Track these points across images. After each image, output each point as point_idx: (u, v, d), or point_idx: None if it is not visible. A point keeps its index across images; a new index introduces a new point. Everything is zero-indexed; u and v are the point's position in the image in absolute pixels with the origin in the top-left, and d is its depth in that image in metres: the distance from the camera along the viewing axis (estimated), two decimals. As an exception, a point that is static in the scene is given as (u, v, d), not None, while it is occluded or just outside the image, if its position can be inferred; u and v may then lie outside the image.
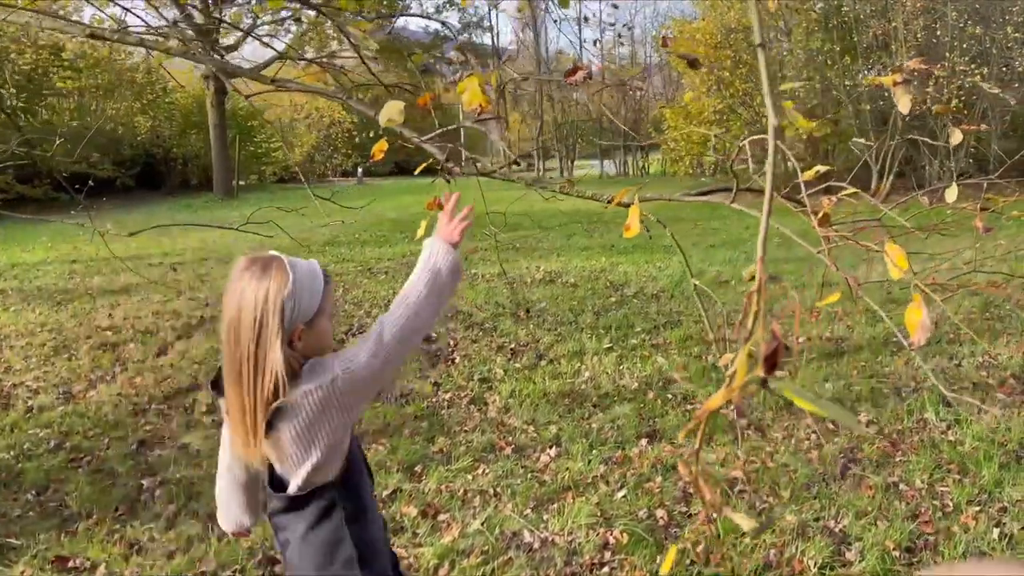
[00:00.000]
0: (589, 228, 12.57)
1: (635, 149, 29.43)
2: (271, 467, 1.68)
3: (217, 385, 1.67)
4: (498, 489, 3.53)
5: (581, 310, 6.96)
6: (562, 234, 12.70)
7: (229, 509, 1.90)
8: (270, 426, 1.55)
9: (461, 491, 3.53)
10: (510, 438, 4.15)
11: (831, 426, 4.14)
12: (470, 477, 3.67)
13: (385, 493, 3.50)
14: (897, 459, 3.74)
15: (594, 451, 3.92)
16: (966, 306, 6.46)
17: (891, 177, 15.27)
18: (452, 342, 6.10)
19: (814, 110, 16.57)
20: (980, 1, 13.97)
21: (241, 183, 27.78)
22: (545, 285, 8.24)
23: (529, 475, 3.68)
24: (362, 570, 1.67)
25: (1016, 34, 13.07)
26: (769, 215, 0.74)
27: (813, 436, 4.02)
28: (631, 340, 5.93)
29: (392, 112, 1.33)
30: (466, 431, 4.29)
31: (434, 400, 4.85)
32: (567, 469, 3.71)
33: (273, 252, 1.65)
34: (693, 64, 1.75)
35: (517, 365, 5.46)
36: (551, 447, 4.00)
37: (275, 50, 7.58)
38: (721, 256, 9.67)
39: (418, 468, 3.78)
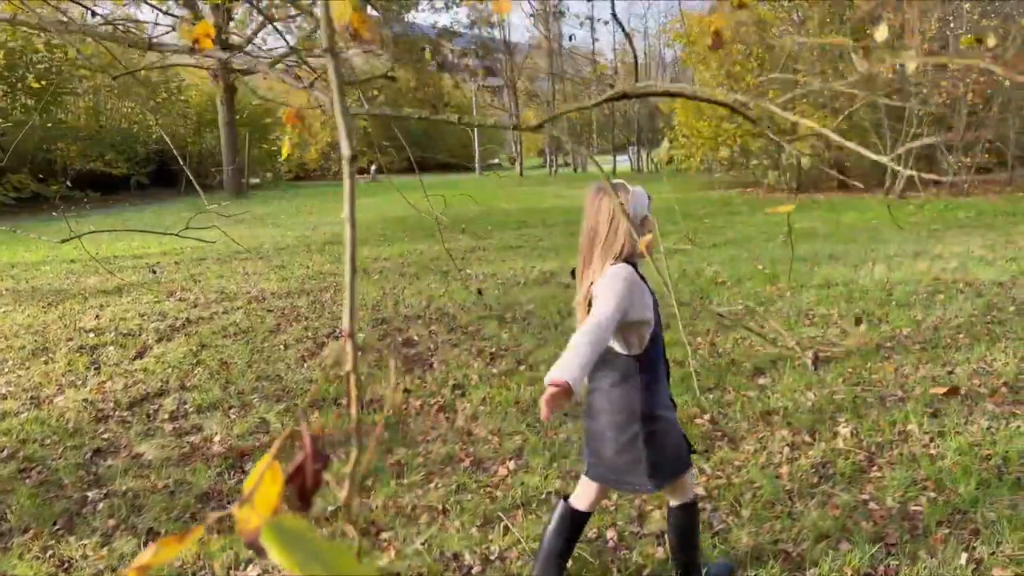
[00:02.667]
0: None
1: (649, 144, 29.15)
2: None
3: (575, 275, 2.49)
4: (447, 505, 3.39)
5: (569, 312, 6.78)
6: (565, 232, 12.54)
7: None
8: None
9: (409, 507, 3.40)
10: (472, 449, 4.01)
11: (807, 439, 3.96)
12: (421, 492, 3.53)
13: (329, 509, 3.37)
14: (872, 474, 3.55)
15: (555, 464, 3.77)
16: (968, 308, 6.22)
17: (906, 171, 14.91)
18: (432, 346, 5.97)
19: (828, 104, 16.23)
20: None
21: (254, 181, 27.86)
22: (539, 286, 8.09)
23: (482, 490, 3.53)
24: (642, 423, 2.36)
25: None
26: (354, 260, 0.59)
27: (786, 449, 3.84)
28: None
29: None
30: (428, 441, 4.16)
31: (403, 407, 4.72)
32: (522, 484, 3.56)
33: (618, 180, 2.42)
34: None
35: (494, 371, 5.32)
36: (511, 459, 3.86)
37: (268, 58, 7.50)
38: (723, 255, 9.45)
39: (369, 482, 3.66)
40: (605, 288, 2.26)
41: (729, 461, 3.75)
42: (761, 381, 4.82)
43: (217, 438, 4.25)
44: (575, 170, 31.36)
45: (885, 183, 15.44)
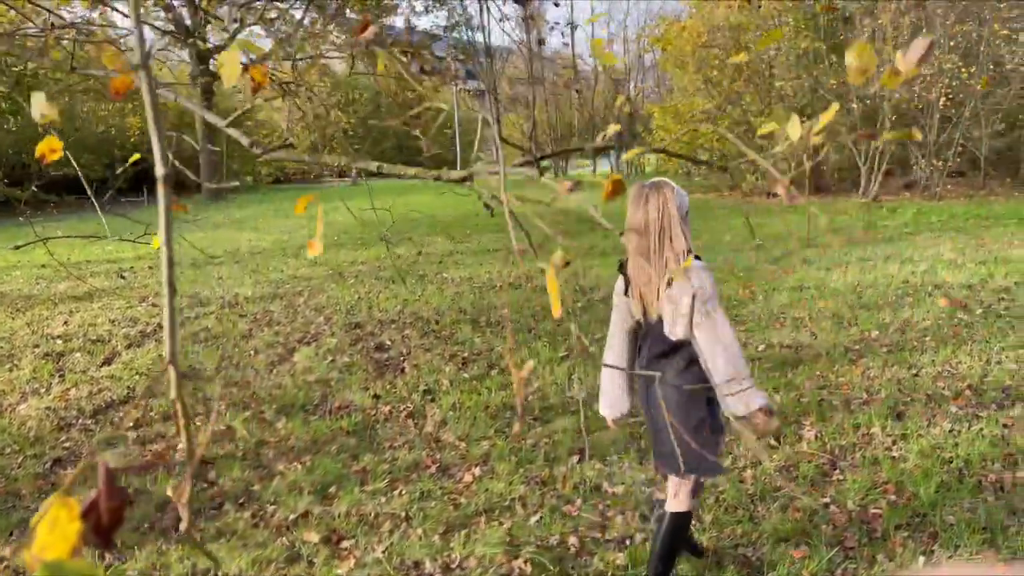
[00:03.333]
0: (573, 230, 12.39)
1: (628, 149, 29.29)
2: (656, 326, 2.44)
3: (622, 269, 2.55)
4: (411, 513, 3.37)
5: (543, 316, 6.79)
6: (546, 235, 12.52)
7: (612, 396, 2.64)
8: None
9: (372, 515, 3.37)
10: (438, 455, 3.99)
11: (772, 442, 3.98)
12: (384, 499, 3.51)
13: (291, 518, 3.35)
14: (834, 477, 3.57)
15: (520, 470, 3.76)
16: (935, 311, 6.28)
17: (880, 176, 15.06)
18: (405, 351, 5.95)
19: (804, 109, 16.35)
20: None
21: (235, 184, 27.66)
22: (514, 290, 8.08)
23: (446, 497, 3.52)
24: (707, 407, 2.44)
25: (1003, 31, 12.84)
26: (172, 282, 0.58)
27: (751, 453, 3.86)
28: (588, 348, 5.76)
29: (43, 108, 1.08)
30: (395, 448, 4.13)
31: (372, 413, 4.69)
32: (487, 490, 3.55)
33: (663, 178, 2.45)
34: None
35: (466, 375, 5.30)
36: (477, 465, 3.84)
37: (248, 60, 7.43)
38: (697, 259, 9.48)
39: (333, 489, 3.63)
40: (711, 300, 2.31)
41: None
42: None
43: (180, 446, 4.20)
44: (556, 174, 31.43)
45: (860, 186, 15.58)
